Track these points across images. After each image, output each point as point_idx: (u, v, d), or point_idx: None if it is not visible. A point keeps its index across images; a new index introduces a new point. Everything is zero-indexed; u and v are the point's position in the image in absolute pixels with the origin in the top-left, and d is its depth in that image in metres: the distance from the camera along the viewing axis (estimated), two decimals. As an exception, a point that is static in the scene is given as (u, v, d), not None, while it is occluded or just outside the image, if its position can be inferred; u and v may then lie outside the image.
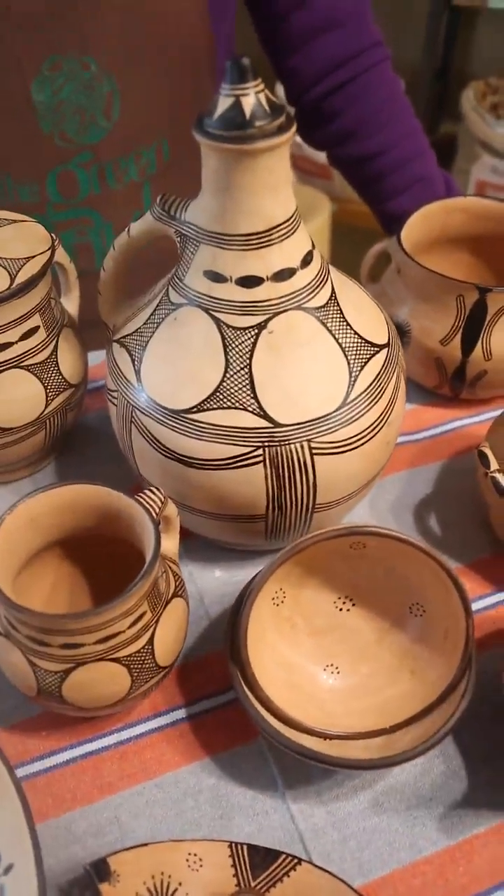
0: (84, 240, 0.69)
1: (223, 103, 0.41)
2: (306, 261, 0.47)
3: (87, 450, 0.65)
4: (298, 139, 0.82)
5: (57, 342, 0.58)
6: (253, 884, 0.41)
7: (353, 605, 0.49)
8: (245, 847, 0.42)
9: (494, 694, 0.46)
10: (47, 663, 0.42)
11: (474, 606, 0.54)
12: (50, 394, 0.57)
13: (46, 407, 0.57)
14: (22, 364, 0.55)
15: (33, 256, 0.54)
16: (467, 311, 0.61)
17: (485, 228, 0.68)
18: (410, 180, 0.76)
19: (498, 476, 0.51)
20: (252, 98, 0.41)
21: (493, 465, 0.52)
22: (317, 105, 0.77)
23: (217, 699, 0.49)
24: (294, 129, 0.42)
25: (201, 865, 0.42)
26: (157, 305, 0.50)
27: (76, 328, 0.62)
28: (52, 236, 0.57)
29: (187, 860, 0.42)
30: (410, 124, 0.78)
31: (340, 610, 0.49)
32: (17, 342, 0.54)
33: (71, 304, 0.64)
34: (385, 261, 0.69)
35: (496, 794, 0.45)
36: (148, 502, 0.45)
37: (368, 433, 0.49)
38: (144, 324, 0.50)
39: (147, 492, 0.46)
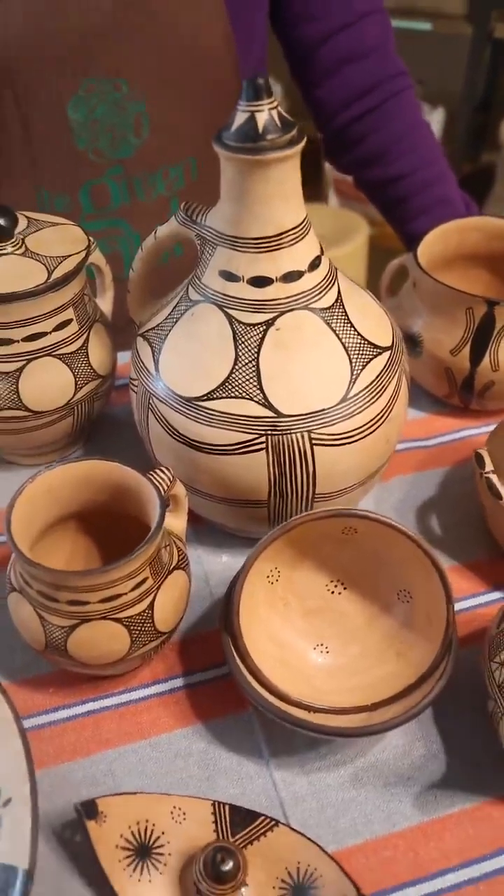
0: (114, 248, 0.74)
1: (239, 118, 0.45)
2: (314, 265, 0.51)
3: (111, 440, 0.69)
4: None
5: (88, 335, 0.62)
6: (232, 840, 0.44)
7: (345, 588, 0.52)
8: (227, 806, 0.45)
9: (478, 687, 0.48)
10: (55, 618, 0.46)
11: (468, 604, 0.56)
12: (79, 382, 0.61)
13: (75, 394, 0.61)
14: (54, 353, 0.60)
15: (69, 255, 0.59)
16: (476, 323, 0.64)
17: (499, 247, 0.71)
18: (431, 202, 0.80)
19: (492, 477, 0.54)
20: (265, 114, 0.45)
21: (489, 466, 0.54)
22: (342, 131, 0.82)
23: (212, 672, 0.53)
24: (303, 142, 0.46)
25: (185, 819, 0.45)
26: (178, 302, 0.54)
27: (108, 325, 0.66)
28: (88, 238, 0.62)
29: (172, 812, 0.45)
30: (431, 149, 0.82)
31: (332, 593, 0.52)
32: (50, 332, 0.59)
33: (105, 303, 0.69)
34: (403, 276, 0.72)
35: (471, 779, 0.47)
36: (157, 480, 0.49)
37: (367, 429, 0.52)
38: (165, 319, 0.55)
39: (157, 470, 0.50)
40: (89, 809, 0.43)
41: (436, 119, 1.76)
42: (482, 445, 0.66)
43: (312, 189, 1.89)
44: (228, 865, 0.40)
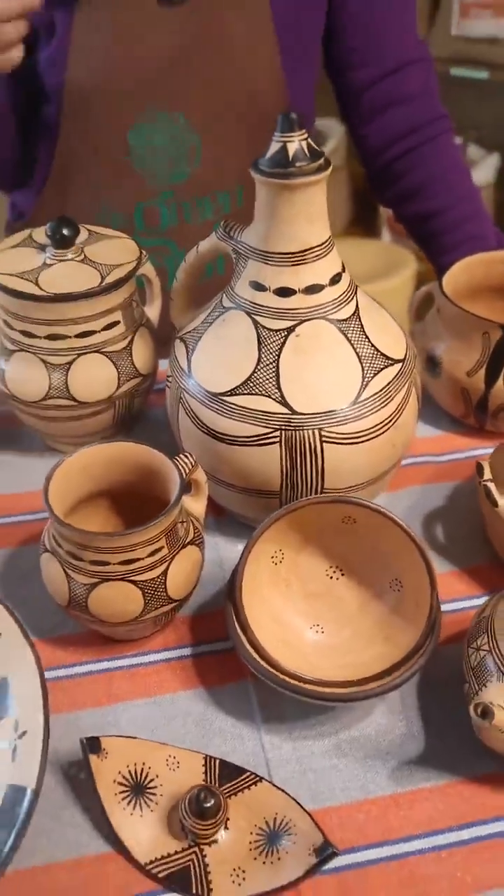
0: (161, 265, 0.80)
1: (273, 147, 0.52)
2: (335, 280, 0.56)
3: (146, 436, 0.75)
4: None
5: (133, 337, 0.69)
6: (219, 789, 0.48)
7: (343, 575, 0.56)
8: (218, 761, 0.50)
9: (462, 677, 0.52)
10: (79, 576, 0.52)
11: (464, 605, 0.60)
12: (122, 378, 0.68)
13: (117, 389, 0.68)
14: (101, 350, 0.66)
15: (122, 265, 0.66)
16: (492, 347, 0.68)
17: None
18: (464, 238, 0.85)
19: (490, 485, 0.58)
20: (296, 144, 0.51)
21: (487, 475, 0.58)
22: (384, 169, 0.88)
23: (218, 645, 0.57)
24: (329, 170, 0.52)
25: (178, 767, 0.49)
26: (213, 309, 0.60)
27: (153, 331, 0.73)
28: (140, 251, 0.69)
29: (167, 760, 0.50)
30: (466, 189, 0.87)
31: (331, 578, 0.56)
32: (99, 331, 0.66)
33: (152, 311, 0.75)
34: (431, 303, 0.77)
35: (446, 759, 0.51)
36: (180, 463, 0.55)
37: (374, 431, 0.57)
38: (201, 323, 0.61)
39: (181, 455, 0.56)
40: (94, 745, 0.48)
41: (490, 164, 1.81)
42: (489, 461, 0.70)
43: (367, 225, 1.95)
44: (210, 803, 0.45)
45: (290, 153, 0.51)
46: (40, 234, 0.70)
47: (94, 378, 0.67)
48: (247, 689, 0.55)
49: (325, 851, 0.44)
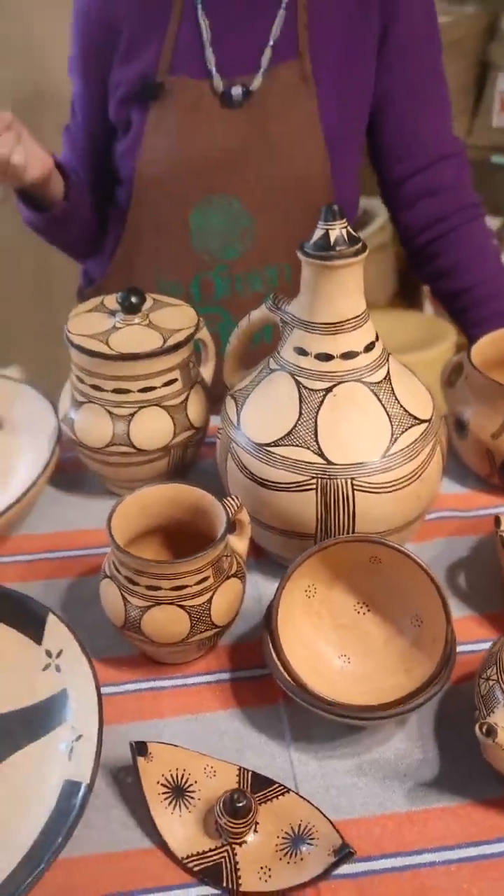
0: (214, 330, 0.89)
1: (317, 233, 0.60)
2: (369, 347, 0.64)
3: (197, 483, 0.83)
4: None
5: (189, 394, 0.77)
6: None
7: (369, 610, 0.62)
8: (250, 772, 0.55)
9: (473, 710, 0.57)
10: (135, 599, 0.59)
11: (481, 647, 0.64)
12: (177, 429, 0.76)
13: (173, 439, 0.76)
14: (161, 404, 0.75)
15: (181, 329, 0.75)
16: (515, 412, 0.75)
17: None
18: (490, 314, 0.93)
19: (505, 536, 0.64)
20: (337, 231, 0.60)
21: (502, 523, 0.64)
22: (420, 250, 0.97)
23: (254, 671, 0.63)
24: (365, 254, 0.60)
25: (214, 775, 0.55)
26: (261, 370, 0.68)
27: (206, 388, 0.81)
28: (198, 318, 0.78)
29: (204, 768, 0.55)
30: (495, 269, 0.95)
31: (358, 613, 0.62)
32: (159, 387, 0.74)
33: (206, 371, 0.84)
34: (460, 371, 0.84)
35: (458, 784, 0.55)
36: (227, 504, 0.62)
37: (401, 483, 0.63)
38: (250, 382, 0.69)
39: (228, 497, 0.63)
40: (141, 748, 0.54)
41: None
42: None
43: (410, 298, 2.05)
44: (242, 803, 0.50)
45: (332, 239, 0.60)
46: (111, 300, 0.79)
47: (153, 428, 0.75)
48: (278, 712, 0.60)
49: (343, 851, 0.49)
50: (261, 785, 0.54)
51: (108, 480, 0.82)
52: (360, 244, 0.61)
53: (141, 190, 0.91)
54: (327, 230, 0.60)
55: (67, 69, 0.96)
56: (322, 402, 0.63)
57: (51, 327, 1.85)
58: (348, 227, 0.60)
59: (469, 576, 0.72)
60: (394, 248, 1.98)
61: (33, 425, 0.85)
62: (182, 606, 0.58)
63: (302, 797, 0.54)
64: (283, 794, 0.54)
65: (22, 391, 0.90)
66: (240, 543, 0.65)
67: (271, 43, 0.87)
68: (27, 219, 0.96)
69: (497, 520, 0.65)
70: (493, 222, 1.91)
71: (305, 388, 0.64)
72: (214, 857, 0.51)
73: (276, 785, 0.54)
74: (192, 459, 0.81)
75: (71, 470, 0.84)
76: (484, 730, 0.48)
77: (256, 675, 0.63)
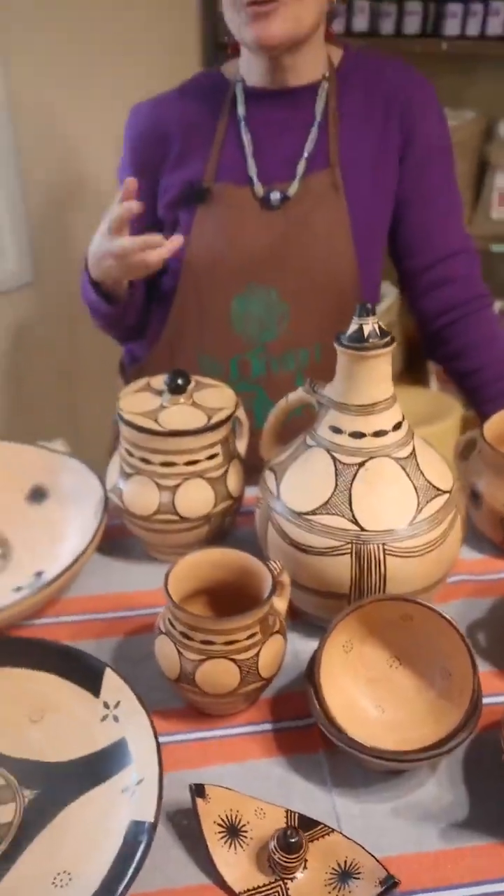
0: (250, 407, 0.98)
1: (353, 327, 0.69)
2: (396, 427, 0.72)
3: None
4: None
5: (228, 467, 0.85)
6: (298, 838, 0.59)
7: (400, 664, 0.68)
8: (297, 814, 0.60)
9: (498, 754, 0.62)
10: (189, 653, 0.65)
11: (500, 699, 0.70)
12: (218, 499, 0.83)
13: (214, 507, 0.83)
14: (203, 475, 0.82)
15: (222, 409, 0.83)
16: (525, 484, 0.82)
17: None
18: (497, 393, 1.02)
19: (523, 597, 0.70)
20: (370, 326, 0.68)
21: (521, 588, 0.71)
22: (434, 334, 1.07)
23: (294, 722, 0.69)
24: (393, 345, 0.69)
25: (264, 817, 0.60)
26: (298, 446, 0.76)
27: (242, 461, 0.89)
28: (237, 398, 0.86)
29: (255, 810, 0.60)
30: (501, 353, 1.04)
31: (391, 667, 0.68)
32: (203, 460, 0.82)
33: (241, 446, 0.91)
34: (473, 446, 0.92)
35: (488, 824, 0.60)
36: (271, 566, 0.69)
37: (427, 548, 0.70)
38: (287, 457, 0.77)
39: (271, 561, 0.70)
40: (200, 790, 0.59)
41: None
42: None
43: (417, 374, 2.15)
44: (295, 839, 0.55)
45: (366, 332, 0.68)
46: (157, 381, 0.88)
47: (196, 498, 0.82)
48: (319, 760, 0.66)
49: (388, 882, 0.54)
50: (307, 825, 0.59)
51: (151, 546, 0.89)
52: (389, 337, 0.69)
53: (188, 280, 1.01)
54: (361, 325, 0.68)
55: (118, 174, 1.08)
56: (355, 475, 0.71)
57: (84, 404, 1.96)
58: (379, 323, 0.69)
59: (487, 634, 0.78)
60: (400, 327, 2.10)
61: (80, 495, 0.92)
62: (233, 660, 0.64)
63: (346, 836, 0.59)
64: (328, 833, 0.59)
65: (67, 463, 0.97)
66: (281, 603, 0.71)
67: (306, 155, 0.99)
68: (94, 305, 1.04)
69: (514, 582, 0.72)
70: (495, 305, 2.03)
71: (340, 462, 0.71)
72: (269, 892, 0.56)
73: (322, 825, 0.59)
74: (229, 527, 0.88)
75: (116, 536, 0.91)
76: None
77: (298, 726, 0.69)
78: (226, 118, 0.99)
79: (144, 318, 1.12)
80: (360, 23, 1.91)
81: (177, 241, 0.88)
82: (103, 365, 1.88)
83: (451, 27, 1.82)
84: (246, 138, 0.99)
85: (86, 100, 1.80)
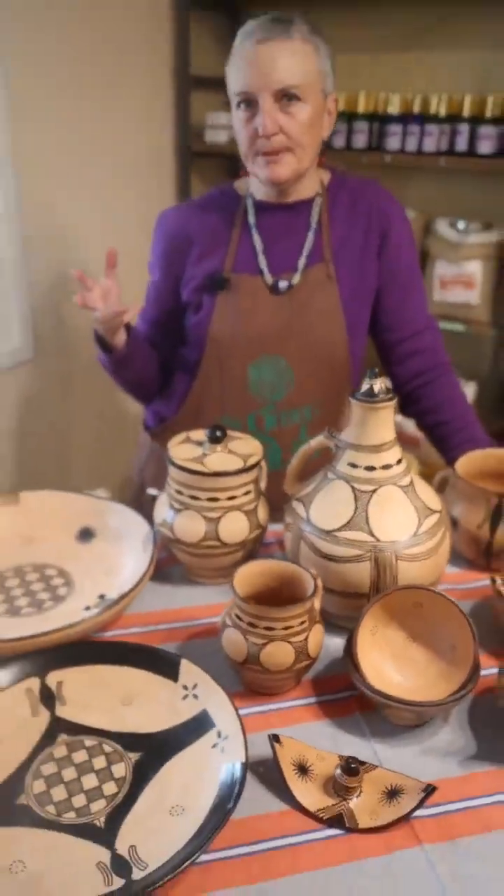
0: (266, 457, 1.18)
1: (365, 386, 0.91)
2: (399, 462, 0.93)
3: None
4: (400, 418, 1.35)
5: (258, 502, 1.04)
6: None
7: (415, 642, 0.87)
8: (348, 756, 0.78)
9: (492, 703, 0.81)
10: (255, 638, 0.82)
11: (487, 672, 0.90)
12: (251, 528, 1.02)
13: (249, 534, 1.02)
14: (241, 509, 1.02)
15: (253, 454, 1.03)
16: (492, 508, 1.04)
17: (508, 467, 1.14)
18: (462, 441, 1.25)
19: (501, 588, 0.91)
20: (378, 385, 0.90)
21: (499, 581, 0.92)
22: (407, 395, 1.31)
23: (333, 695, 0.87)
24: (395, 400, 0.91)
25: (324, 760, 0.77)
26: (320, 481, 0.97)
27: (265, 497, 1.09)
28: (261, 448, 1.06)
29: (316, 756, 0.78)
30: (464, 408, 1.29)
31: (408, 645, 0.87)
32: (240, 496, 1.02)
33: (263, 484, 1.11)
34: (446, 483, 1.14)
35: (489, 756, 0.79)
36: (311, 573, 0.88)
37: (427, 554, 0.91)
38: (312, 489, 0.97)
39: (310, 570, 0.89)
40: (276, 738, 0.77)
41: (468, 392, 2.30)
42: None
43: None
44: (355, 765, 0.73)
45: (375, 389, 0.90)
46: (196, 434, 1.08)
47: (235, 528, 1.02)
48: (357, 720, 0.84)
49: (429, 789, 0.72)
50: (358, 764, 0.77)
51: (193, 570, 1.06)
52: (392, 394, 0.91)
53: (211, 352, 1.23)
54: (372, 384, 0.91)
55: (149, 266, 1.30)
56: (370, 499, 0.91)
57: (77, 462, 2.13)
58: (385, 383, 0.91)
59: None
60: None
61: (128, 533, 1.10)
62: (289, 642, 0.83)
63: (388, 769, 0.77)
64: (374, 769, 0.77)
65: (111, 507, 1.15)
66: (317, 602, 0.90)
67: (305, 252, 1.23)
68: (99, 358, 1.27)
69: (493, 580, 0.93)
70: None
71: (358, 490, 0.92)
72: (336, 809, 0.73)
73: (368, 763, 0.77)
74: (255, 552, 1.07)
75: (159, 565, 1.08)
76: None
77: (336, 698, 0.87)
78: (239, 224, 1.24)
79: (161, 381, 1.33)
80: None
81: (135, 308, 1.15)
82: (95, 429, 2.08)
83: (393, 143, 2.15)
84: (256, 239, 1.23)
85: (82, 199, 2.04)
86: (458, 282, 2.16)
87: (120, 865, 0.66)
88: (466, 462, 1.13)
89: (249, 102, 1.12)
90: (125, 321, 1.17)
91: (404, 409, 1.35)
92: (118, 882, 0.65)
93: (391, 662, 0.87)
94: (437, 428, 1.30)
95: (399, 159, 2.16)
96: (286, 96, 1.11)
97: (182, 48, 2.29)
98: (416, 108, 2.12)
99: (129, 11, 2.10)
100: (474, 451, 1.14)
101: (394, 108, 2.14)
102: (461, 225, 2.20)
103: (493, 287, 2.20)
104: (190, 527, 1.01)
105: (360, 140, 2.19)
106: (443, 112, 2.08)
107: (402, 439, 2.40)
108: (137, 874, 0.65)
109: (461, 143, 2.07)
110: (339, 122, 2.20)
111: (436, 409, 1.29)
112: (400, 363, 1.31)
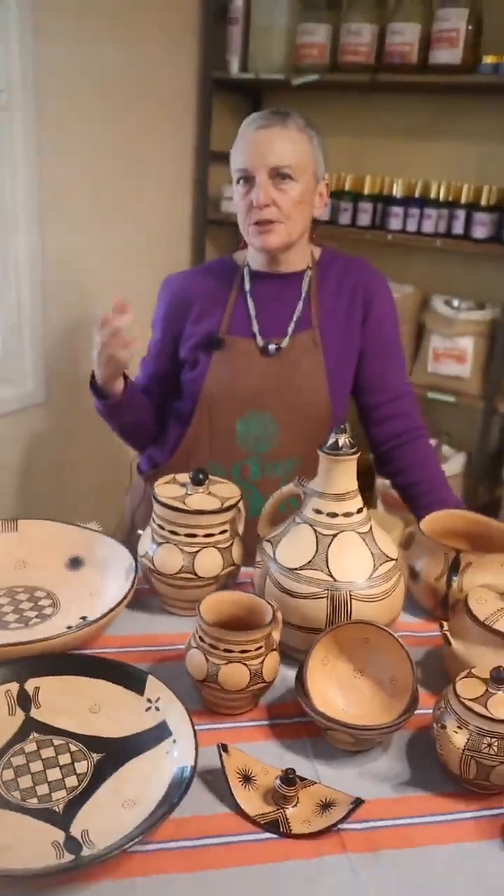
0: (247, 502, 1.28)
1: (331, 440, 1.02)
2: (359, 510, 1.03)
3: (232, 606, 1.17)
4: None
5: (233, 541, 1.14)
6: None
7: (361, 674, 0.96)
8: (287, 768, 0.86)
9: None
10: (215, 659, 0.91)
11: (428, 712, 0.98)
12: (224, 564, 1.12)
13: (222, 570, 1.11)
14: (216, 546, 1.11)
15: (231, 497, 1.14)
16: (450, 562, 1.13)
17: (471, 528, 1.23)
18: (431, 502, 1.35)
19: (447, 634, 1.00)
20: (343, 439, 1.01)
21: (446, 627, 1.01)
22: (382, 455, 1.42)
23: (285, 720, 0.95)
24: (358, 454, 1.01)
25: (267, 773, 0.85)
26: (288, 524, 1.07)
27: (240, 538, 1.18)
28: (239, 491, 1.16)
29: (261, 768, 0.86)
30: (435, 471, 1.40)
31: (355, 677, 0.96)
32: (216, 534, 1.11)
33: (240, 528, 1.21)
34: (412, 538, 1.23)
35: (422, 784, 0.87)
36: (271, 603, 0.97)
37: (380, 596, 1.00)
38: (280, 532, 1.07)
39: (270, 602, 0.98)
40: (224, 748, 0.85)
41: (458, 461, 2.40)
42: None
43: (367, 499, 2.50)
44: (293, 775, 0.81)
45: (340, 443, 1.01)
46: (181, 477, 1.18)
47: (210, 563, 1.11)
48: (304, 743, 0.92)
49: (357, 802, 0.80)
50: (298, 778, 0.85)
51: (168, 601, 1.15)
52: (355, 448, 1.02)
53: (203, 405, 1.35)
54: (337, 438, 1.01)
55: (152, 322, 1.43)
56: (331, 543, 1.01)
57: (107, 497, 2.24)
58: (349, 438, 1.02)
59: (421, 670, 1.06)
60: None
61: (111, 562, 1.20)
62: (246, 665, 0.91)
63: (324, 785, 0.84)
64: (312, 784, 0.85)
65: (99, 538, 1.25)
66: (276, 634, 0.99)
67: (294, 318, 1.36)
68: (95, 404, 1.39)
69: (441, 625, 1.02)
70: (431, 441, 2.42)
71: (320, 533, 1.02)
72: (273, 815, 0.81)
73: (308, 779, 0.85)
74: (228, 588, 1.16)
75: (138, 595, 1.17)
76: (437, 726, 0.81)
77: (288, 722, 0.95)
78: (236, 290, 1.37)
79: (154, 429, 1.45)
80: (323, 214, 2.40)
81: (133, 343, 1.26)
82: (95, 470, 2.19)
83: (395, 223, 2.31)
84: (251, 305, 1.36)
85: (101, 254, 2.20)
86: (450, 355, 2.29)
87: (72, 845, 0.74)
88: (432, 520, 1.23)
89: (248, 179, 1.28)
90: (127, 360, 1.28)
91: (380, 468, 1.45)
92: (68, 857, 0.73)
93: (338, 692, 0.95)
94: (408, 488, 1.40)
95: (400, 238, 2.31)
96: (280, 175, 1.26)
97: (204, 125, 2.49)
98: (418, 192, 2.28)
99: (159, 89, 2.30)
100: (441, 510, 1.24)
101: (397, 191, 2.31)
102: (455, 302, 2.34)
103: (483, 362, 2.33)
104: (168, 559, 1.11)
105: (365, 219, 2.35)
106: (442, 197, 2.24)
107: (392, 503, 2.54)
108: (86, 852, 0.73)
109: (457, 227, 2.22)
110: (345, 201, 2.37)
111: (407, 470, 1.39)
112: (377, 425, 1.42)
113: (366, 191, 2.35)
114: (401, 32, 2.16)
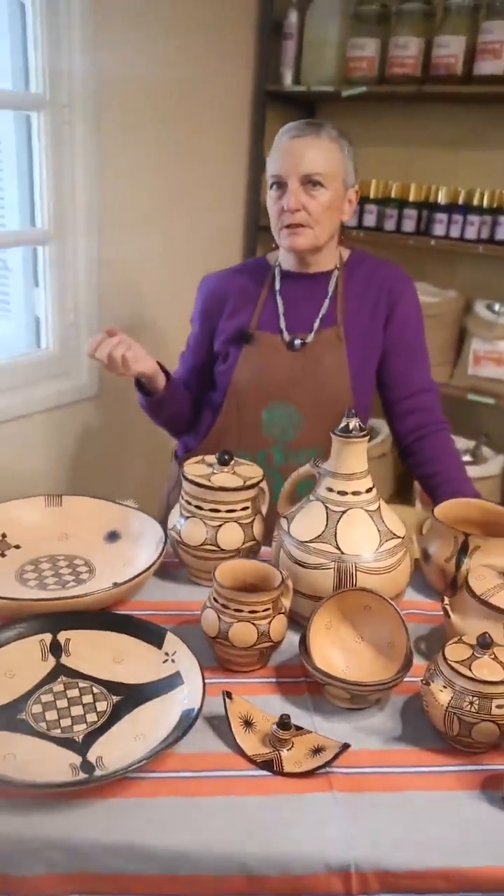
0: (271, 487, 1.36)
1: (343, 423, 1.09)
2: (368, 490, 1.11)
3: (252, 579, 1.26)
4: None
5: (255, 518, 1.23)
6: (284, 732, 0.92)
7: (362, 640, 1.03)
8: (282, 714, 0.93)
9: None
10: (226, 617, 1.00)
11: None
12: (245, 538, 1.20)
13: (243, 544, 1.20)
14: (238, 521, 1.20)
15: (253, 477, 1.22)
16: (459, 545, 1.20)
17: (485, 517, 1.28)
18: (448, 493, 1.40)
19: (447, 607, 1.06)
20: (353, 423, 1.09)
21: (447, 601, 1.07)
22: (405, 448, 1.49)
23: (290, 679, 1.03)
24: (367, 436, 1.09)
25: (267, 721, 0.94)
26: (303, 502, 1.15)
27: (262, 516, 1.27)
28: (262, 472, 1.25)
29: (262, 716, 0.94)
30: (456, 463, 1.46)
31: (357, 642, 1.03)
32: (238, 510, 1.20)
33: (263, 508, 1.30)
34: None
35: (411, 738, 0.93)
36: (281, 572, 1.05)
37: (384, 570, 1.07)
38: (296, 508, 1.15)
39: (281, 571, 1.06)
40: (229, 695, 0.93)
41: (498, 462, 2.43)
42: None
43: (405, 497, 2.55)
44: (288, 720, 0.89)
45: (350, 426, 1.09)
46: (209, 458, 1.27)
47: (231, 536, 1.20)
48: (305, 699, 1.00)
49: (344, 746, 0.87)
50: (294, 726, 0.93)
51: (194, 571, 1.25)
52: (365, 431, 1.10)
53: (232, 396, 1.44)
54: (348, 422, 1.09)
55: (191, 319, 1.54)
56: (340, 518, 1.09)
57: (151, 484, 2.37)
58: (360, 422, 1.09)
59: (426, 644, 1.13)
60: (392, 457, 2.52)
61: (145, 536, 1.30)
62: (254, 624, 1.00)
63: (319, 734, 0.92)
64: (308, 733, 0.92)
65: (134, 514, 1.35)
66: (286, 601, 1.07)
67: (320, 316, 1.45)
68: (139, 400, 1.49)
69: (443, 599, 1.08)
70: (468, 443, 2.46)
71: (331, 510, 1.10)
72: (269, 756, 0.89)
73: (304, 728, 0.93)
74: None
75: (168, 568, 1.27)
76: (423, 682, 0.88)
77: (292, 681, 1.03)
78: (267, 288, 1.46)
79: (192, 418, 1.55)
80: (369, 221, 2.47)
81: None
82: (141, 458, 2.31)
83: (438, 230, 2.36)
84: (279, 303, 1.45)
85: (154, 259, 2.32)
86: (490, 358, 2.32)
87: (87, 767, 0.84)
88: (447, 508, 1.29)
89: (280, 184, 1.37)
90: (134, 372, 1.39)
91: (403, 458, 1.52)
92: (83, 776, 0.82)
93: (340, 654, 1.03)
94: (428, 479, 1.46)
95: (443, 244, 2.37)
96: (311, 181, 1.34)
97: (257, 135, 2.59)
98: (461, 200, 2.33)
99: (214, 101, 2.42)
100: (457, 498, 1.30)
101: (441, 198, 2.36)
102: (497, 307, 2.38)
103: (524, 366, 2.36)
104: (194, 531, 1.21)
105: (409, 225, 2.42)
106: (486, 204, 2.29)
107: (427, 501, 2.59)
108: (98, 773, 0.83)
109: (500, 233, 2.26)
110: (391, 208, 2.44)
111: (428, 463, 1.46)
112: (399, 419, 1.49)
113: (411, 198, 2.42)
114: (446, 45, 2.22)
